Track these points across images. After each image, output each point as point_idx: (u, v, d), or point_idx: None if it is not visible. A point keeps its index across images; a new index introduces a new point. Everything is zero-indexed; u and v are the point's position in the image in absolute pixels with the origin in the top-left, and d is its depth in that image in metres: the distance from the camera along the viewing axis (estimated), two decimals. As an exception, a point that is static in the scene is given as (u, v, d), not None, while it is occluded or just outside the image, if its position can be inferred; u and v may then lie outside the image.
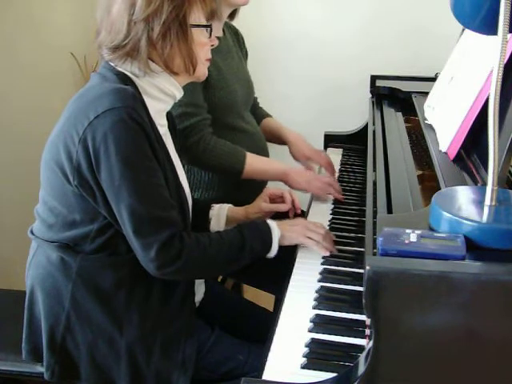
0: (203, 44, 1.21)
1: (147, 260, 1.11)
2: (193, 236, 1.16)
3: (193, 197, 1.51)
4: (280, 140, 1.97)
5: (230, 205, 1.49)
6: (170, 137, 1.30)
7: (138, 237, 1.10)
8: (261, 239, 1.25)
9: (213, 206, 1.48)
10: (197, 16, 1.17)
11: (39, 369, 1.25)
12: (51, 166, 1.14)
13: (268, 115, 2.02)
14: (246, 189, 1.71)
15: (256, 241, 1.23)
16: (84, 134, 1.07)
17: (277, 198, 1.52)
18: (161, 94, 1.20)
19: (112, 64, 1.17)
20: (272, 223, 1.28)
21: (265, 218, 1.42)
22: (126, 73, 1.17)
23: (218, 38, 1.73)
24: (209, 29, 1.20)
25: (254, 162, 1.66)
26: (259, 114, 1.99)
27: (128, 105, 1.07)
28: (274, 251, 1.26)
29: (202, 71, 1.23)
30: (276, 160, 1.74)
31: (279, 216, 1.45)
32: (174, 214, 1.14)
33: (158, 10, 1.11)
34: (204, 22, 1.20)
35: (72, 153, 1.09)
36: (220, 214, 1.46)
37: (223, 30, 1.78)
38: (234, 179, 1.68)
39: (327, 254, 1.34)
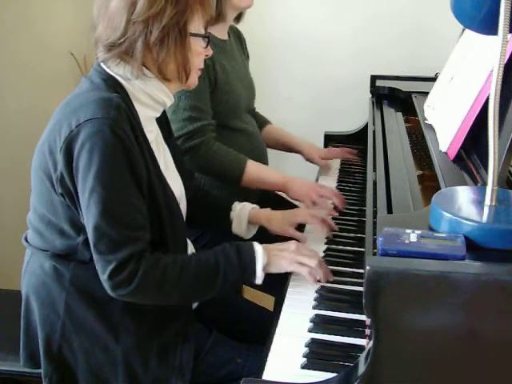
0: (198, 53, 1.19)
1: (103, 279, 1.08)
2: (155, 256, 1.11)
3: (213, 195, 1.52)
4: (288, 147, 1.97)
5: (253, 205, 1.46)
6: (162, 142, 1.29)
7: (96, 252, 1.07)
8: (240, 268, 1.15)
9: (234, 206, 1.45)
10: (197, 25, 1.16)
11: (38, 369, 1.24)
12: (39, 173, 1.13)
13: (268, 122, 2.00)
14: (249, 189, 1.68)
15: (232, 270, 1.15)
16: (65, 142, 1.06)
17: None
18: (150, 101, 1.18)
19: (104, 66, 1.15)
20: (259, 249, 1.18)
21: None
22: (117, 77, 1.15)
23: (223, 41, 1.74)
24: (206, 39, 1.19)
25: (253, 171, 1.64)
26: (258, 120, 1.97)
27: (109, 116, 1.05)
28: (258, 279, 1.17)
29: (193, 80, 1.22)
30: (277, 170, 1.72)
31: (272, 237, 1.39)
32: (139, 233, 1.09)
33: (160, 13, 1.09)
34: (202, 32, 1.19)
35: (56, 161, 1.08)
36: (241, 216, 1.43)
37: (228, 33, 1.78)
38: (233, 185, 1.67)
39: (317, 285, 1.23)
